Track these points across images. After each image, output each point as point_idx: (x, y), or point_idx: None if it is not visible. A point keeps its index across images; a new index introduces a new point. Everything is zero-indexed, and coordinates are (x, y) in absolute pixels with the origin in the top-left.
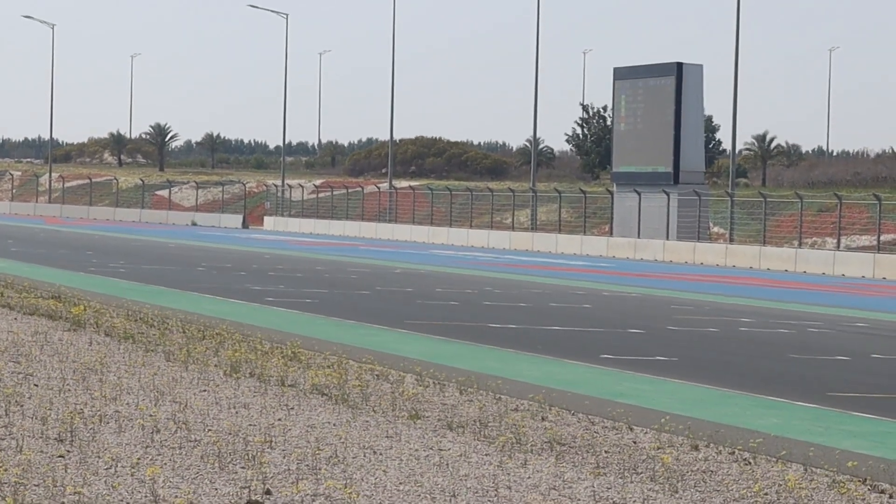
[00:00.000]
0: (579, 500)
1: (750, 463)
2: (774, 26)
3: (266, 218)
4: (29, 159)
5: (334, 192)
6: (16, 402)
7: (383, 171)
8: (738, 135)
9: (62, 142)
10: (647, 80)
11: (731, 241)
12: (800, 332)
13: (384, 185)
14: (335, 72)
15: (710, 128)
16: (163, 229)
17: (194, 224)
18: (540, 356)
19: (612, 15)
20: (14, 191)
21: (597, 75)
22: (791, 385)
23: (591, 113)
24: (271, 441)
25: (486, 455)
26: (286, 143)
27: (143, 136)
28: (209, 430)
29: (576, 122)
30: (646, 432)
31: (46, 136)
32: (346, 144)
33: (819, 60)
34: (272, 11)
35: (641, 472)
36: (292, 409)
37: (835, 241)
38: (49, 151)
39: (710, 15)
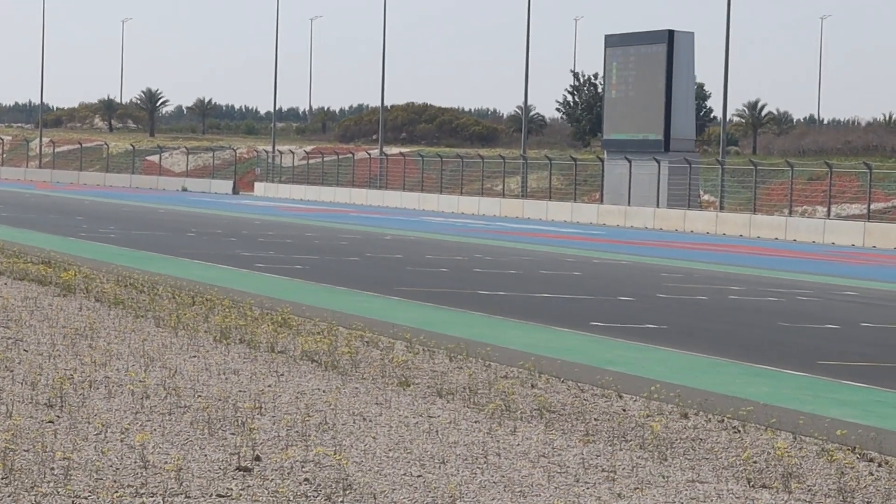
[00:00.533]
0: (568, 467)
1: (739, 431)
2: None
3: (256, 184)
4: (19, 124)
5: (325, 159)
6: (5, 367)
7: (374, 137)
8: (728, 103)
9: (53, 107)
10: (639, 47)
11: (722, 209)
12: (789, 300)
13: (375, 152)
14: (326, 38)
15: (701, 95)
16: (153, 195)
17: (184, 190)
18: (530, 323)
19: None
20: (4, 155)
21: (588, 42)
22: (781, 353)
23: (581, 80)
24: (261, 407)
25: (475, 422)
26: (277, 108)
27: (134, 101)
28: (199, 395)
29: (567, 89)
30: (635, 400)
31: (37, 101)
32: (337, 111)
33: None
34: None
35: (631, 440)
36: (282, 375)
37: (825, 209)
38: (39, 116)
39: None
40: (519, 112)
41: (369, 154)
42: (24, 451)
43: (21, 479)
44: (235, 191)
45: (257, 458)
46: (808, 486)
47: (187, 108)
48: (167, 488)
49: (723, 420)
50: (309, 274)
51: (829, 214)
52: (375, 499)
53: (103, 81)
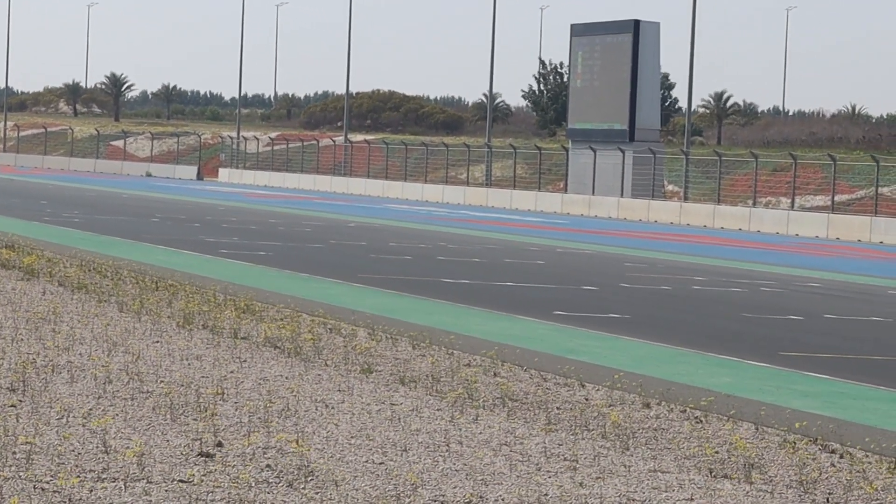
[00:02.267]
0: (530, 455)
1: (701, 421)
2: None
3: (221, 170)
4: None
5: (290, 145)
6: None
7: (339, 124)
8: (694, 93)
9: (17, 90)
10: (605, 37)
11: (686, 199)
12: (753, 291)
13: (339, 139)
14: (292, 24)
15: (667, 86)
16: (117, 180)
17: (149, 175)
18: (493, 312)
19: None
20: None
21: (554, 31)
22: (743, 344)
23: (548, 69)
24: (223, 393)
25: (437, 410)
26: (242, 95)
27: (99, 86)
28: (161, 381)
29: (533, 76)
30: (597, 389)
31: (1, 85)
32: (302, 97)
33: (776, 20)
34: None
35: (593, 429)
36: (245, 361)
37: (789, 200)
38: (4, 100)
39: None
40: (484, 100)
41: (334, 141)
42: None
43: None
44: (200, 176)
45: (219, 444)
46: (770, 476)
47: (152, 93)
48: (129, 473)
49: (685, 410)
50: (272, 260)
51: (793, 206)
52: (337, 486)
53: (68, 66)
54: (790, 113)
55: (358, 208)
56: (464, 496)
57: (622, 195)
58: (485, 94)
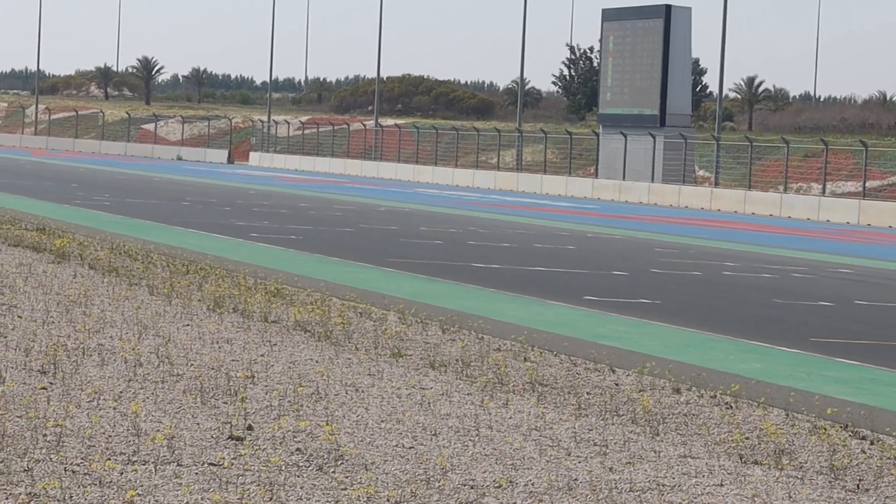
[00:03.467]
0: (560, 440)
1: (731, 407)
2: None
3: (251, 154)
4: (15, 91)
5: (320, 129)
6: None
7: (369, 108)
8: (725, 78)
9: (49, 74)
10: (636, 21)
11: (717, 184)
12: (784, 277)
13: (370, 123)
14: (323, 8)
15: (698, 71)
16: (148, 163)
17: (180, 158)
18: (523, 296)
19: None
20: (0, 123)
21: (585, 16)
22: (774, 330)
23: (578, 54)
24: (253, 377)
25: (467, 394)
26: (273, 79)
27: (130, 69)
28: (192, 364)
29: (563, 62)
30: (628, 374)
31: (33, 68)
32: (332, 81)
33: (808, 4)
34: None
35: (623, 415)
36: (275, 345)
37: (820, 186)
38: (36, 83)
39: None
40: (515, 85)
41: (364, 125)
42: (17, 417)
43: (13, 446)
44: (230, 160)
45: (249, 428)
46: (800, 462)
47: (183, 76)
48: (159, 456)
49: (715, 396)
50: (303, 244)
51: (824, 192)
52: (367, 469)
53: (100, 49)
54: (821, 98)
55: (388, 192)
56: (493, 481)
57: (653, 180)
58: (515, 80)
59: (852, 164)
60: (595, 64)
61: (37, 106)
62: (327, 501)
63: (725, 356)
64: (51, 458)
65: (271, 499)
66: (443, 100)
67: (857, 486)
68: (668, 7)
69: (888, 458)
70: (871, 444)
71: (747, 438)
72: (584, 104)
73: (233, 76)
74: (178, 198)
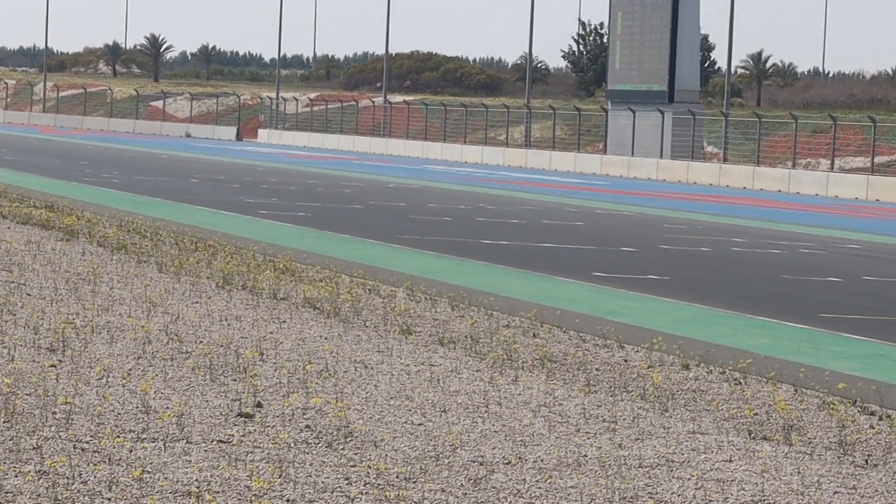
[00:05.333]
0: (569, 417)
1: (740, 383)
2: None
3: (260, 131)
4: (23, 68)
5: (329, 106)
6: (8, 311)
7: (378, 85)
8: (733, 54)
9: (57, 51)
10: None
11: (725, 160)
12: (792, 252)
13: (379, 100)
14: None
15: (706, 47)
16: (157, 140)
17: (188, 136)
18: (532, 273)
19: None
20: (8, 99)
21: None
22: (783, 306)
23: (587, 30)
24: (263, 354)
25: (476, 371)
26: (281, 55)
27: (138, 46)
28: (201, 342)
29: (573, 37)
30: (637, 350)
31: (41, 45)
32: (341, 58)
33: None
34: None
35: (632, 391)
36: (284, 322)
37: (829, 162)
38: (44, 60)
39: None
40: (524, 61)
41: (373, 102)
42: (26, 394)
43: (23, 423)
44: (239, 137)
45: (259, 405)
46: (809, 438)
47: (191, 54)
48: (168, 434)
49: (724, 372)
50: (312, 221)
51: (832, 167)
52: (376, 446)
53: (108, 26)
54: (830, 74)
55: (397, 169)
56: (503, 457)
57: (661, 156)
58: (524, 56)
59: (861, 139)
60: (604, 40)
61: (45, 83)
62: (337, 478)
63: (734, 332)
64: (60, 436)
65: (280, 475)
66: (451, 76)
67: (866, 461)
68: None
69: None
70: (880, 419)
71: (756, 414)
72: (593, 80)
73: (241, 53)
74: (186, 175)
